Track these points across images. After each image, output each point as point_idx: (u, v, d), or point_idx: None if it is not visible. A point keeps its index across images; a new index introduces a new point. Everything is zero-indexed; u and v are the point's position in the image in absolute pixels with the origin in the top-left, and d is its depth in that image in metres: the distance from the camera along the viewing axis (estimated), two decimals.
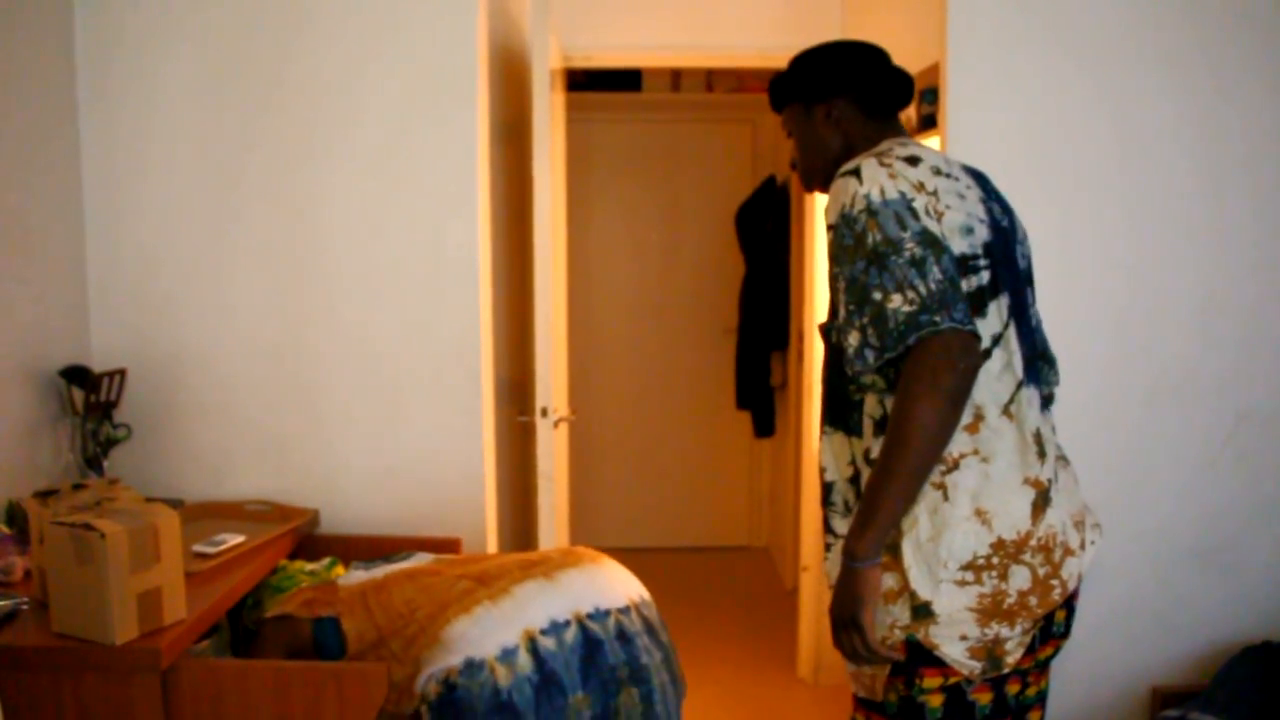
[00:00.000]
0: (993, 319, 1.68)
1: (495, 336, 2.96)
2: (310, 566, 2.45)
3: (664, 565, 5.21)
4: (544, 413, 2.89)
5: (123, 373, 2.61)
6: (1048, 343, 1.91)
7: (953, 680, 1.66)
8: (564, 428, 3.39)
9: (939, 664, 1.66)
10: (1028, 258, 1.87)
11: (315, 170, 2.69)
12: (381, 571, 2.27)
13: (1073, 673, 2.72)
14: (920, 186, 1.67)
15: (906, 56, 3.05)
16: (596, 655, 2.07)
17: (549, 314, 2.92)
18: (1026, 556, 1.64)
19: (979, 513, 1.63)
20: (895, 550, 1.66)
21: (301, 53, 2.67)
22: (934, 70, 2.74)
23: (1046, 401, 1.82)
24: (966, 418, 1.65)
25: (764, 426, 5.04)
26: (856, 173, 1.69)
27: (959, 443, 1.65)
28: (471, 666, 1.97)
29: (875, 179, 1.66)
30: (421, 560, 2.39)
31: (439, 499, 2.75)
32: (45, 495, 2.09)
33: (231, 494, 2.73)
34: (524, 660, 2.00)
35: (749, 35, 3.71)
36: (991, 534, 1.63)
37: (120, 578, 1.82)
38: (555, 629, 2.06)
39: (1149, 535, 2.71)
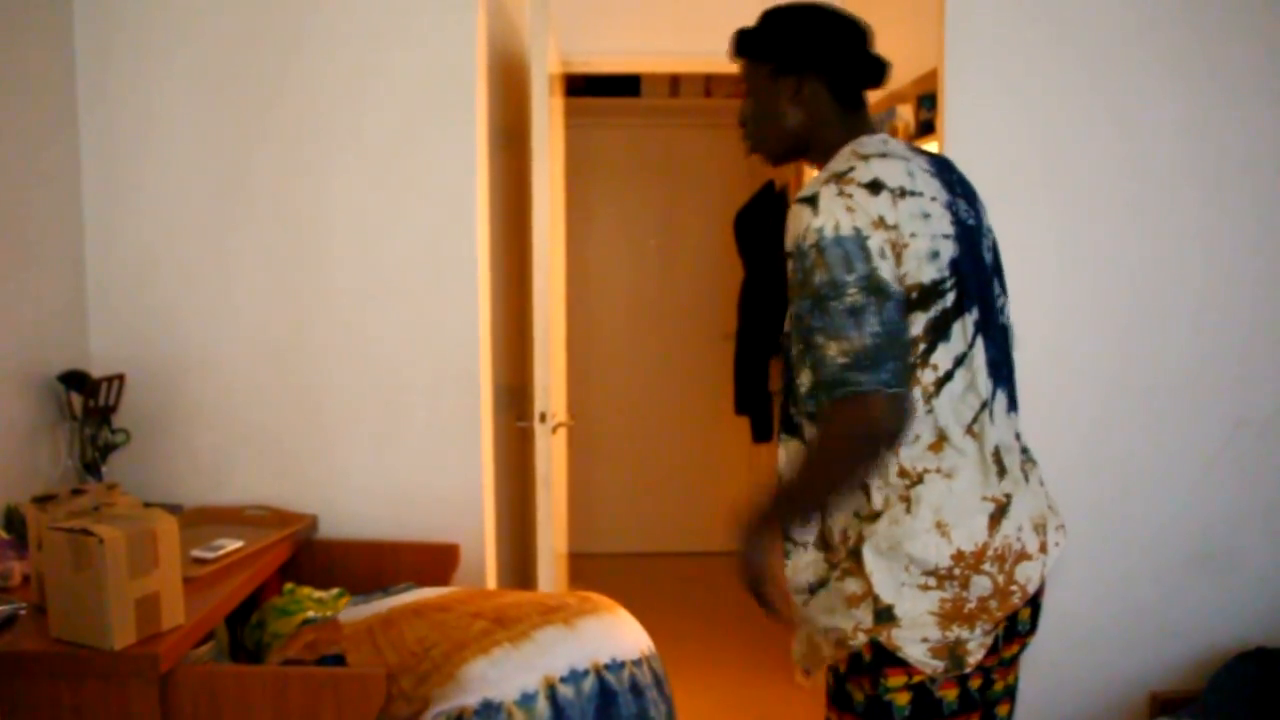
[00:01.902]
0: (956, 340, 1.66)
1: (494, 341, 2.96)
2: (319, 594, 2.44)
3: (663, 570, 5.21)
4: (542, 418, 2.89)
5: (121, 378, 2.61)
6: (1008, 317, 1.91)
7: (917, 679, 1.67)
8: (562, 433, 3.40)
9: (902, 664, 1.67)
10: (992, 248, 1.81)
11: (315, 175, 2.69)
12: (385, 606, 2.26)
13: (1072, 678, 2.72)
14: (880, 221, 1.60)
15: (905, 62, 3.05)
16: (611, 707, 2.07)
17: (547, 319, 2.92)
18: (986, 566, 1.65)
19: (939, 525, 1.64)
20: (857, 556, 1.67)
21: (302, 57, 2.67)
22: (932, 76, 2.75)
23: (1007, 380, 1.79)
24: (930, 438, 1.65)
25: (762, 432, 5.04)
26: (813, 201, 1.62)
27: (923, 459, 1.65)
28: (489, 708, 1.96)
29: (831, 211, 1.60)
30: (422, 594, 2.39)
31: (437, 504, 2.75)
32: (43, 500, 2.09)
33: (230, 499, 2.73)
34: (542, 707, 1.99)
35: None
36: (950, 545, 1.64)
37: (118, 583, 1.82)
38: (574, 678, 2.05)
39: (1147, 540, 2.71)
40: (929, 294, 1.62)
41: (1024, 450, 1.82)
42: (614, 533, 5.39)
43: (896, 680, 1.68)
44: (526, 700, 1.99)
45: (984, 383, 1.68)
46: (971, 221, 1.74)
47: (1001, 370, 1.75)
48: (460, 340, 2.73)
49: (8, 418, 2.37)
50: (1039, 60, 2.61)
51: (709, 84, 5.25)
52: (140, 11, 2.65)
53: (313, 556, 2.65)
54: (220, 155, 2.69)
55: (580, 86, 4.93)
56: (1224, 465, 2.69)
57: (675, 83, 5.25)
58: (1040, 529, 1.74)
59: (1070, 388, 2.65)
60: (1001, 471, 1.70)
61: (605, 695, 2.07)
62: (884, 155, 1.70)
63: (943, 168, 1.78)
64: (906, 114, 3.13)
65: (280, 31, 2.67)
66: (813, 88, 1.78)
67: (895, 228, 1.61)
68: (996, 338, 1.75)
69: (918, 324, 1.63)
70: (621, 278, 5.43)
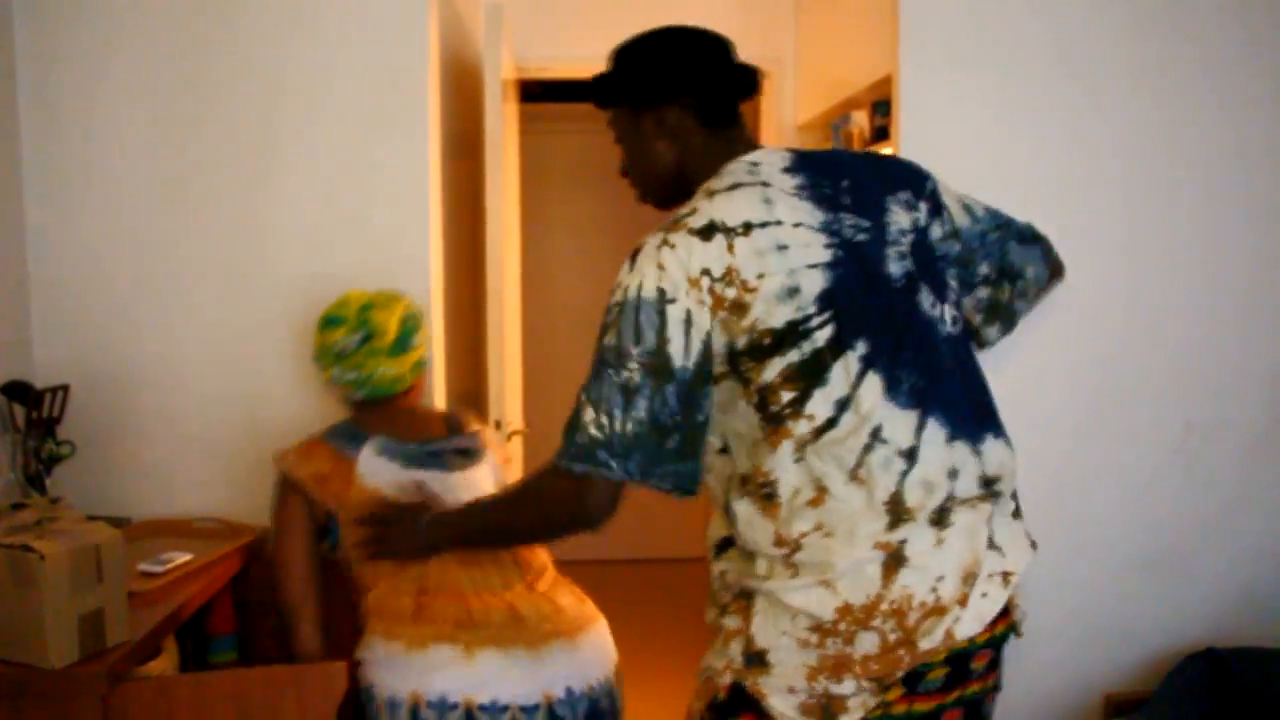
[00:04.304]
0: (836, 383, 1.51)
1: (449, 349, 2.93)
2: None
3: (624, 577, 5.19)
4: (497, 425, 2.87)
5: (66, 388, 2.55)
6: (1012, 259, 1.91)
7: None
8: (518, 440, 3.38)
9: (760, 713, 1.56)
10: (910, 254, 1.62)
11: (265, 183, 2.66)
12: (410, 478, 2.16)
13: (1025, 681, 2.72)
14: (704, 274, 1.48)
15: (859, 68, 3.07)
16: None
17: (502, 325, 2.90)
18: (876, 622, 1.51)
19: (825, 583, 1.52)
20: (748, 595, 1.60)
21: (252, 63, 2.63)
22: (887, 81, 2.76)
23: (946, 407, 1.60)
24: (809, 492, 1.52)
25: None
26: (634, 255, 1.56)
27: (801, 520, 1.52)
28: (394, 706, 1.94)
29: (643, 268, 1.52)
30: (458, 485, 2.21)
31: None
32: None
33: (179, 511, 2.68)
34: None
35: None
36: (838, 599, 1.51)
37: (59, 600, 1.77)
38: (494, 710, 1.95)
39: (1099, 543, 2.73)
40: (785, 338, 1.50)
41: (985, 484, 1.61)
42: (574, 541, 5.36)
43: None
44: (444, 710, 1.94)
45: (874, 422, 1.52)
46: (862, 237, 1.58)
47: (934, 395, 1.58)
48: None
49: None
50: (995, 66, 2.61)
51: None
52: (83, 14, 2.60)
53: (264, 568, 2.61)
54: (167, 161, 2.64)
55: (536, 92, 4.90)
56: (1175, 469, 2.72)
57: None
58: (969, 580, 1.55)
59: (1021, 392, 2.66)
60: (897, 519, 1.53)
61: None
62: (735, 187, 1.57)
63: (826, 178, 1.61)
64: (861, 120, 3.14)
65: (227, 39, 2.63)
66: (676, 116, 1.69)
67: (725, 277, 1.50)
68: (922, 360, 1.58)
69: (773, 369, 1.51)
70: (577, 283, 5.42)
